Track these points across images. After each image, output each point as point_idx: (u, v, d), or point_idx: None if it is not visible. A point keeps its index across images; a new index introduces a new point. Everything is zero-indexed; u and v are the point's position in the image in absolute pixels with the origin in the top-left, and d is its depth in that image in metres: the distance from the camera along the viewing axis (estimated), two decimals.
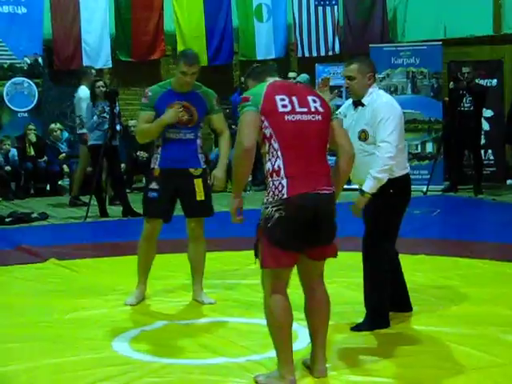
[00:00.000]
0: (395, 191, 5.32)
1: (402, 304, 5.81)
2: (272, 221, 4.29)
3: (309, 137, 4.38)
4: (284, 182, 4.30)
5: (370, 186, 5.25)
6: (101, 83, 11.39)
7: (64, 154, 14.18)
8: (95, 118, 11.12)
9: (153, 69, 15.52)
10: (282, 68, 15.31)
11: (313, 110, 4.43)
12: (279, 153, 4.33)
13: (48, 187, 14.02)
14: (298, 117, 4.37)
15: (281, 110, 4.36)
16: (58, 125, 14.36)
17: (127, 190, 12.12)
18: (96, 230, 10.62)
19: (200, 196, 6.13)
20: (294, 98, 4.42)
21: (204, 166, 6.21)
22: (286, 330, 4.36)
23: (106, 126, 10.93)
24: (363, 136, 5.35)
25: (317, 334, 4.55)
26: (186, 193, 6.16)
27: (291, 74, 14.37)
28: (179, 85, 6.11)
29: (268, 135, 4.36)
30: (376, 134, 5.30)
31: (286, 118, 4.36)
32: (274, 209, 4.29)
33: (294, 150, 4.34)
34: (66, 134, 14.43)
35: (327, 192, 4.38)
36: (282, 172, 4.31)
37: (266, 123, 4.35)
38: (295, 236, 4.29)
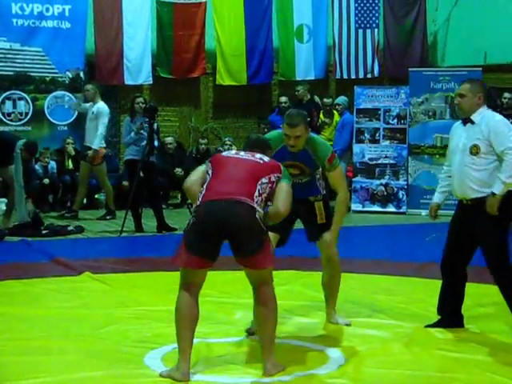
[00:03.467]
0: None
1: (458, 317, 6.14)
2: (189, 225, 4.95)
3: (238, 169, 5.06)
4: (202, 192, 4.99)
5: (500, 189, 5.74)
6: (140, 99, 11.50)
7: None
8: (133, 134, 11.20)
9: (191, 86, 15.60)
10: (320, 89, 15.34)
11: (257, 156, 5.13)
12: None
13: (85, 201, 14.12)
14: (237, 156, 5.17)
15: (224, 153, 5.33)
16: None
17: (163, 206, 12.18)
18: (131, 245, 10.67)
19: (321, 219, 6.05)
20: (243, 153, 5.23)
21: (324, 192, 6.10)
22: (185, 323, 4.92)
23: (144, 142, 11.00)
24: (475, 150, 5.84)
25: (260, 334, 5.07)
26: (307, 217, 6.09)
27: (326, 101, 14.34)
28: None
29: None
30: (497, 146, 5.77)
31: (224, 154, 5.29)
32: (192, 215, 4.98)
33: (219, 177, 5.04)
34: None
35: (236, 199, 4.87)
36: (204, 186, 5.02)
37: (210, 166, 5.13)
38: (203, 240, 4.85)
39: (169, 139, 14.26)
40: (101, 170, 12.50)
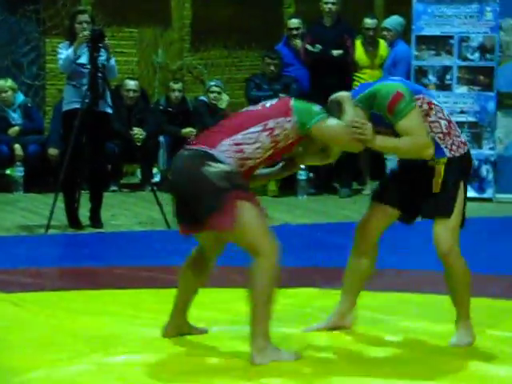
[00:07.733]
0: None
1: None
2: None
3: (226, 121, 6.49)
4: None
5: None
6: (85, 17, 11.29)
7: (17, 128, 14.29)
8: (70, 51, 10.92)
9: (158, 1, 15.62)
10: (361, 5, 15.37)
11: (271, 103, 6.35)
12: None
13: None
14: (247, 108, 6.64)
15: None
16: (10, 82, 14.47)
17: (114, 188, 12.26)
18: (62, 247, 10.69)
19: (436, 187, 6.54)
20: None
21: (451, 155, 6.58)
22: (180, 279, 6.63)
23: (85, 81, 10.91)
24: None
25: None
26: (423, 186, 6.62)
27: (368, 22, 14.32)
28: None
29: None
30: None
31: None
32: None
33: None
34: (20, 97, 14.54)
35: (191, 149, 6.17)
36: None
37: None
38: (177, 208, 6.20)
39: (131, 83, 14.17)
40: None
